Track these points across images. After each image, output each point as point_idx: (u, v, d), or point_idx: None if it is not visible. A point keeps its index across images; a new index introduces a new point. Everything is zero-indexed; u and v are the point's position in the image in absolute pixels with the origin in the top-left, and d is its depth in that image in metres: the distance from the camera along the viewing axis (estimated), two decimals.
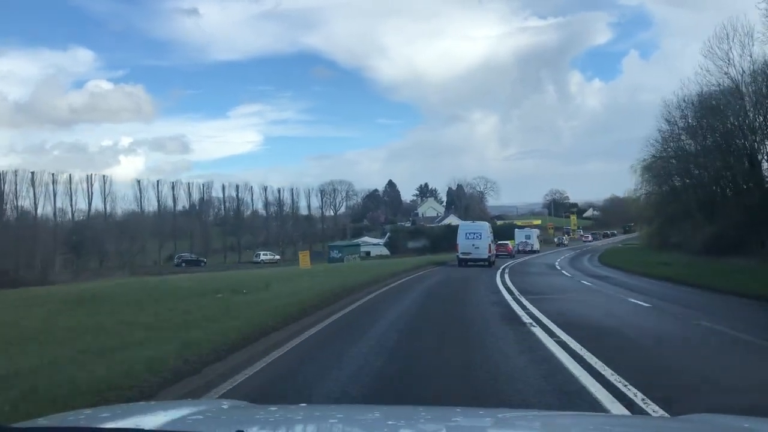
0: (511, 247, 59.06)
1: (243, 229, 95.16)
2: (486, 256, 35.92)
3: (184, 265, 67.84)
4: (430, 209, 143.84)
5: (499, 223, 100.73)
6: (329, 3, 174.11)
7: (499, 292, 20.59)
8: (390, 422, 2.63)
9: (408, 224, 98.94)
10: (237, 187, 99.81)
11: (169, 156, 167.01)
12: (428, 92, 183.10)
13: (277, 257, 72.79)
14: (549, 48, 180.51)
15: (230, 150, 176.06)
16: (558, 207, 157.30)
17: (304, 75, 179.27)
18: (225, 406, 2.94)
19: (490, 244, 37.19)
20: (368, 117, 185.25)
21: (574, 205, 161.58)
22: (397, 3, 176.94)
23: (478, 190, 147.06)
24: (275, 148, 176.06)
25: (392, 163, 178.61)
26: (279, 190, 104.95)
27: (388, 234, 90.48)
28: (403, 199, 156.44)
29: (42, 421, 2.45)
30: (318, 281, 20.97)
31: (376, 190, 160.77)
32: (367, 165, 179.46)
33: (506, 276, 29.49)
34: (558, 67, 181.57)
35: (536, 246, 70.63)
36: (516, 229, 74.52)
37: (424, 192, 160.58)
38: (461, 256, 35.69)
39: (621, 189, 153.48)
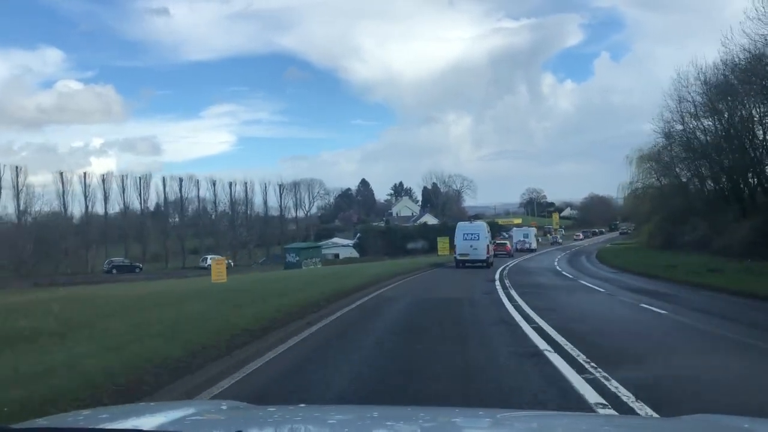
0: (509, 246, 57.33)
1: (200, 230, 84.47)
2: (484, 257, 34.39)
3: (114, 271, 58.12)
4: (404, 209, 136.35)
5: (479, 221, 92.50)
6: (303, 3, 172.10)
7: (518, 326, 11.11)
8: (389, 422, 2.55)
9: (382, 224, 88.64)
10: (197, 182, 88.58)
11: (140, 157, 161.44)
12: (403, 93, 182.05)
13: (228, 261, 62.24)
14: (522, 49, 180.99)
15: (203, 151, 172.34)
16: (536, 206, 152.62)
17: (278, 76, 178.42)
18: (224, 407, 2.86)
19: (488, 245, 35.43)
20: (343, 118, 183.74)
21: (551, 204, 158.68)
22: (371, 4, 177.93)
23: (455, 188, 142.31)
24: (249, 149, 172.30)
25: (367, 163, 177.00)
26: (246, 185, 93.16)
27: (358, 234, 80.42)
28: (377, 198, 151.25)
29: (42, 422, 2.42)
30: (194, 312, 10.91)
31: (348, 190, 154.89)
32: (343, 166, 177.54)
33: (512, 290, 21.04)
34: (531, 69, 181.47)
35: (534, 245, 68.39)
36: (514, 228, 73.49)
37: (399, 191, 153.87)
38: (459, 257, 34.22)
39: (596, 188, 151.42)
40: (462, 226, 36.46)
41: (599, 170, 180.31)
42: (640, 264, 35.74)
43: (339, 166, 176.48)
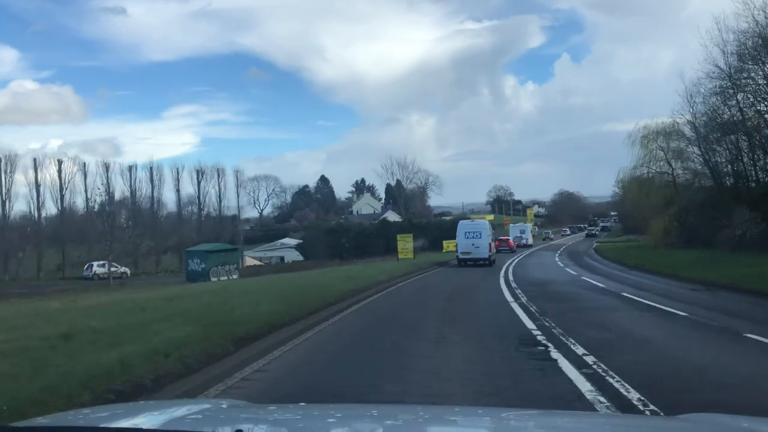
0: (512, 242, 55.45)
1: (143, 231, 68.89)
2: (486, 256, 32.76)
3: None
4: (366, 206, 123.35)
5: (448, 218, 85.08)
6: (264, 4, 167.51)
7: None
8: (388, 422, 2.50)
9: (333, 222, 73.82)
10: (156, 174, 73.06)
11: (100, 159, 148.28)
12: (366, 94, 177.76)
13: (123, 269, 47.38)
14: (484, 51, 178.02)
15: (165, 152, 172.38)
16: (503, 204, 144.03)
17: (241, 76, 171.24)
18: (224, 406, 2.74)
19: (490, 243, 33.77)
20: (307, 119, 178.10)
21: (519, 202, 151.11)
22: (333, 5, 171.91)
23: (419, 185, 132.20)
24: (212, 150, 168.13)
25: (331, 164, 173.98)
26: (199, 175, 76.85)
27: (302, 234, 66.09)
28: (338, 196, 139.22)
29: (42, 421, 2.38)
30: None
31: (306, 187, 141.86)
32: (307, 166, 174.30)
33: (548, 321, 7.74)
34: (494, 70, 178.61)
35: (530, 240, 67.57)
36: (511, 225, 71.59)
37: (361, 188, 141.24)
38: (461, 255, 32.75)
39: (558, 188, 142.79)
40: (464, 224, 34.86)
41: (562, 170, 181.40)
42: (690, 267, 22.56)
43: (303, 166, 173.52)
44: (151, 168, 69.80)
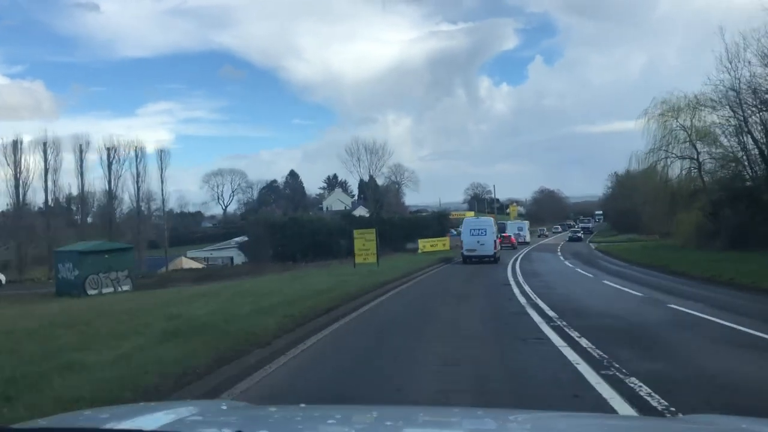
0: (514, 239, 54.81)
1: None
2: (492, 253, 31.75)
3: None
4: (337, 202, 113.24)
5: (424, 214, 79.65)
6: (241, 2, 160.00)
7: None
8: (389, 423, 2.46)
9: (287, 216, 62.04)
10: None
11: (72, 155, 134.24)
12: (343, 94, 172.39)
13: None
14: (460, 52, 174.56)
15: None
16: (480, 202, 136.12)
17: (216, 74, 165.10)
18: (224, 407, 2.81)
19: (495, 240, 32.57)
20: (283, 117, 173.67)
21: (496, 200, 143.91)
22: (310, 4, 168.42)
23: (394, 181, 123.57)
24: (187, 148, 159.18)
25: (307, 162, 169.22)
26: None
27: (246, 231, 55.03)
28: (309, 192, 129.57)
29: (42, 422, 2.35)
30: None
31: (274, 182, 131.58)
32: (283, 165, 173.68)
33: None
34: (469, 72, 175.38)
35: (528, 238, 66.44)
36: (508, 222, 70.38)
37: (333, 184, 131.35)
38: (466, 252, 32.02)
39: (534, 186, 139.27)
40: (469, 222, 34.72)
41: (537, 171, 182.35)
42: None
43: (279, 164, 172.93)
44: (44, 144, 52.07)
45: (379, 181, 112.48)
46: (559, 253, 43.98)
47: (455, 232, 72.18)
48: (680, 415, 3.37)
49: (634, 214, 72.82)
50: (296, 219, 54.06)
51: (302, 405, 2.96)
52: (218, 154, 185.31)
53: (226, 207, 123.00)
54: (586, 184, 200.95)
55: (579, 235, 71.57)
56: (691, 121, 38.69)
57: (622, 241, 59.80)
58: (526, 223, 72.04)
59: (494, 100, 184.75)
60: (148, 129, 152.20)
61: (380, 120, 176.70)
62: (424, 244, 50.15)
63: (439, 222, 60.65)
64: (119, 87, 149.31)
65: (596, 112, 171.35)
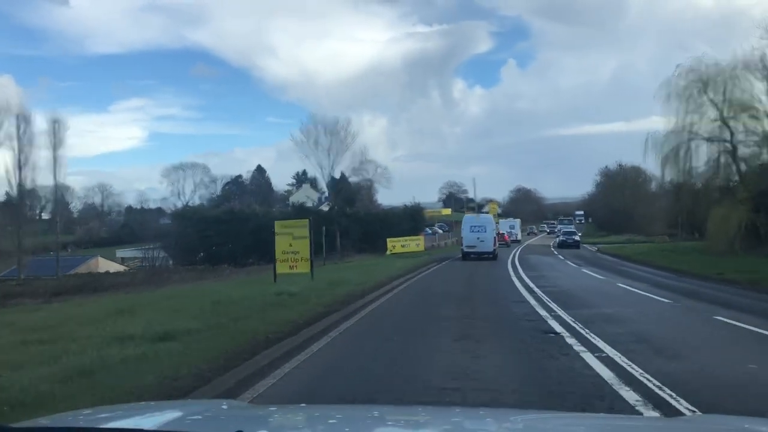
0: (507, 236, 53.20)
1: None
2: (491, 249, 31.59)
3: None
4: (304, 198, 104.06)
5: (396, 209, 65.51)
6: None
7: None
8: (389, 422, 2.40)
9: (221, 208, 51.12)
10: None
11: (43, 151, 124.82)
12: (318, 93, 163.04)
13: None
14: (435, 54, 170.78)
15: (111, 146, 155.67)
16: (457, 201, 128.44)
17: (190, 71, 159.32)
18: (225, 407, 2.65)
19: (494, 237, 32.89)
20: (257, 115, 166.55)
21: (472, 200, 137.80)
22: (286, 3, 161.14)
23: (366, 178, 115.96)
24: (160, 145, 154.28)
25: (282, 161, 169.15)
26: None
27: (171, 225, 45.29)
28: (277, 189, 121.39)
29: (42, 421, 2.25)
30: None
31: (239, 177, 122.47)
32: (256, 163, 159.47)
33: None
34: (443, 73, 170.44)
35: (519, 236, 65.16)
36: (501, 221, 64.51)
37: (302, 180, 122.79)
38: (466, 249, 31.66)
39: (509, 187, 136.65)
40: (469, 219, 34.23)
41: (511, 173, 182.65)
42: None
43: (253, 163, 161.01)
44: None
45: (336, 156, 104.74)
46: (559, 255, 35.58)
47: (430, 231, 63.21)
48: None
49: (625, 214, 64.91)
50: (235, 213, 44.08)
51: (302, 405, 2.99)
52: (191, 151, 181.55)
53: (187, 203, 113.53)
54: (559, 186, 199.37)
55: (575, 238, 49.84)
56: (724, 94, 30.37)
57: (621, 242, 51.50)
58: (518, 221, 70.38)
59: (468, 102, 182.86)
60: (121, 125, 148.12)
61: (355, 120, 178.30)
62: (394, 244, 41.30)
63: (413, 218, 51.71)
64: (90, 83, 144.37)
65: (569, 116, 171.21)
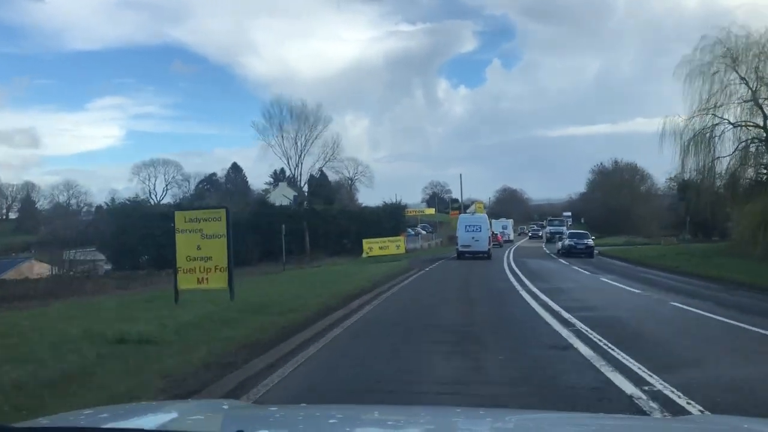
0: (501, 237, 53.73)
1: None
2: (486, 249, 31.53)
3: None
4: (281, 197, 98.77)
5: (375, 207, 57.53)
6: None
7: None
8: (389, 422, 2.36)
9: (166, 204, 44.40)
10: None
11: (16, 150, 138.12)
12: (300, 92, 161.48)
13: None
14: (419, 53, 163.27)
15: (88, 145, 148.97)
16: (440, 202, 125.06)
17: (170, 69, 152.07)
18: (225, 406, 2.63)
19: (489, 237, 32.56)
20: (239, 115, 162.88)
21: (456, 200, 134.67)
22: (268, 0, 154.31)
23: (347, 176, 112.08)
24: (138, 144, 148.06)
25: (263, 161, 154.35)
26: None
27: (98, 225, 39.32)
28: (255, 188, 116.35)
29: (42, 421, 2.21)
30: None
31: (213, 175, 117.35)
32: (240, 163, 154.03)
33: None
34: (427, 73, 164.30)
35: (512, 236, 64.35)
36: (493, 220, 58.59)
37: (279, 178, 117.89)
38: (461, 248, 31.66)
39: (493, 188, 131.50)
40: (464, 218, 34.44)
41: (495, 174, 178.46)
42: None
43: (231, 162, 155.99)
44: None
45: (331, 176, 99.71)
46: (561, 259, 30.75)
47: (413, 232, 57.71)
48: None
49: (622, 214, 60.27)
50: (184, 209, 38.33)
51: (303, 405, 2.95)
52: (170, 150, 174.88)
53: (159, 201, 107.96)
54: (544, 188, 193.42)
55: (588, 243, 34.36)
56: (757, 71, 25.61)
57: (620, 244, 46.69)
58: (511, 221, 69.44)
59: (453, 102, 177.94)
60: (98, 124, 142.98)
61: (338, 120, 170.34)
62: (371, 246, 36.08)
63: (393, 217, 46.31)
64: (67, 80, 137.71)
65: (554, 117, 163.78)
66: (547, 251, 39.58)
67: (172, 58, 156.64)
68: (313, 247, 39.76)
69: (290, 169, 50.88)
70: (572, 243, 34.30)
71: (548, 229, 63.97)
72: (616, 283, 16.95)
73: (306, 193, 53.62)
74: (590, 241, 34.70)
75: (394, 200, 50.15)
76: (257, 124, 48.51)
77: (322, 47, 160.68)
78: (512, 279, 18.04)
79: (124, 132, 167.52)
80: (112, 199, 40.43)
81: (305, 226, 40.96)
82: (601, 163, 77.94)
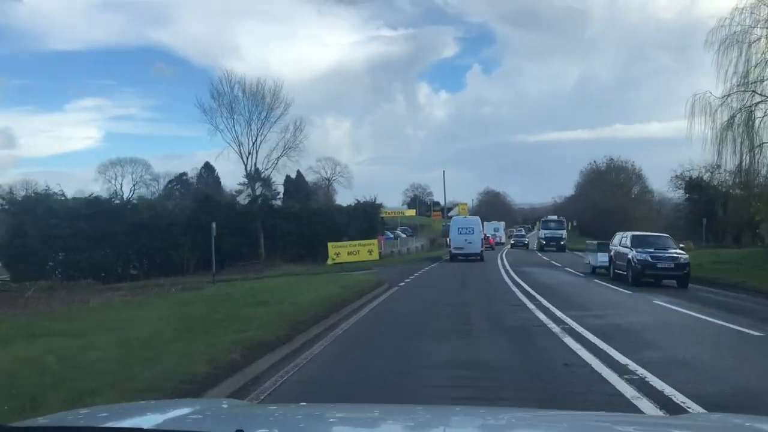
0: (493, 239, 54.71)
1: None
2: (479, 251, 31.63)
3: None
4: (247, 198, 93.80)
5: (346, 205, 52.41)
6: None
7: None
8: (389, 422, 2.33)
9: (71, 199, 35.51)
10: None
11: None
12: (281, 94, 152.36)
13: None
14: (400, 58, 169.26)
15: (67, 146, 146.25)
16: (421, 204, 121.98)
17: (150, 71, 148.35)
18: (225, 406, 2.60)
19: (482, 239, 32.94)
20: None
21: (437, 203, 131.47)
22: (250, 3, 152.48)
23: (324, 177, 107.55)
24: (118, 146, 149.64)
25: (241, 164, 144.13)
26: None
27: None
28: (228, 189, 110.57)
29: (42, 421, 2.17)
30: None
31: (184, 174, 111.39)
32: (221, 166, 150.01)
33: None
34: (408, 78, 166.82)
35: (503, 238, 65.73)
36: (485, 223, 56.19)
37: (254, 179, 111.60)
38: (454, 251, 31.56)
39: (475, 191, 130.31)
40: (456, 221, 34.30)
41: (476, 177, 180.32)
42: None
43: (217, 166, 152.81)
44: None
45: (306, 175, 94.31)
46: (569, 269, 25.34)
47: (392, 235, 51.60)
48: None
49: (618, 215, 55.17)
50: (102, 204, 31.30)
51: (302, 404, 2.90)
52: (151, 153, 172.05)
53: (127, 202, 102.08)
54: (525, 193, 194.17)
55: (677, 253, 18.82)
56: None
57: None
58: (502, 223, 68.59)
59: (434, 107, 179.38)
60: (76, 125, 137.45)
61: (319, 123, 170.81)
62: (338, 251, 30.47)
63: (367, 218, 40.42)
64: (45, 81, 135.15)
65: (534, 122, 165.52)
66: (554, 262, 32.91)
67: (153, 60, 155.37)
68: (269, 251, 34.02)
69: (242, 158, 43.75)
70: (644, 258, 18.50)
71: (542, 233, 54.80)
72: (671, 306, 11.41)
73: (261, 187, 46.85)
74: (683, 255, 18.82)
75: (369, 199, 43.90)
76: (203, 104, 41.08)
77: (304, 51, 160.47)
78: (524, 299, 12.33)
79: (103, 133, 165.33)
80: (9, 191, 33.30)
81: (260, 227, 35.19)
82: (594, 162, 71.98)
